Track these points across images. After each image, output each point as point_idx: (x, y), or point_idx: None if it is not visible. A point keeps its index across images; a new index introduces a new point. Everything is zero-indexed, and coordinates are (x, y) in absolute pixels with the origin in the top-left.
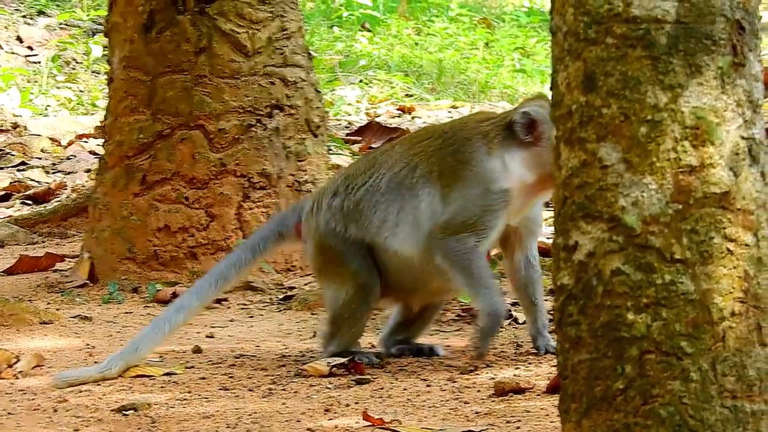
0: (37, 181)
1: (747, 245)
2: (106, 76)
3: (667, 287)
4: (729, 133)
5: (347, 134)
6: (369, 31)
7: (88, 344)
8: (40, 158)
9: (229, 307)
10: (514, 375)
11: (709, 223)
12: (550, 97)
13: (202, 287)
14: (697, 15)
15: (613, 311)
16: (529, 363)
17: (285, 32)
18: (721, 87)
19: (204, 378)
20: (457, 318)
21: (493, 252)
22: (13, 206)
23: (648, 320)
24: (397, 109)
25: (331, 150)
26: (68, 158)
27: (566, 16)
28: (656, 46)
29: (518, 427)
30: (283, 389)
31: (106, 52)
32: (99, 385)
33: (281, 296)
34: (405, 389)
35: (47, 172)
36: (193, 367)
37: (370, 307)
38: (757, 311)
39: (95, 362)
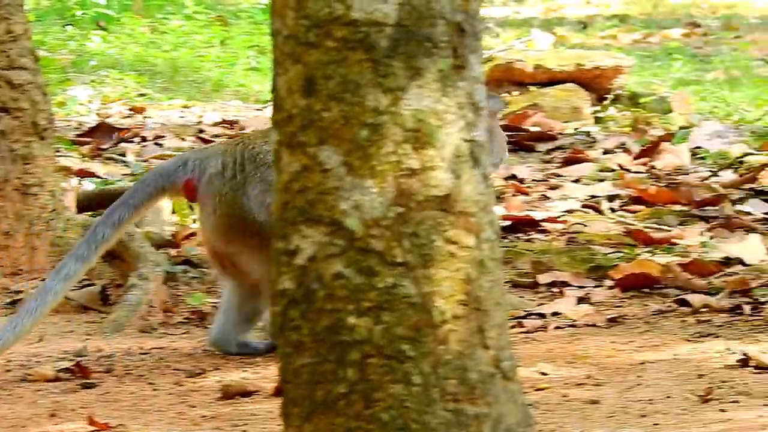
0: None
1: (469, 248)
2: None
3: (388, 291)
4: (450, 136)
5: (77, 135)
6: (104, 29)
7: None
8: None
9: None
10: (242, 378)
11: (431, 226)
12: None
13: (82, 248)
14: (418, 18)
15: (335, 315)
16: (257, 365)
17: (11, 35)
18: (442, 90)
19: None
20: (185, 320)
21: None
22: None
23: (370, 324)
24: (129, 110)
25: (59, 152)
26: None
27: (286, 20)
28: (377, 49)
29: (245, 431)
30: (9, 394)
31: None
32: None
33: (8, 300)
34: (132, 393)
35: None
36: None
37: None
38: (479, 314)
39: None
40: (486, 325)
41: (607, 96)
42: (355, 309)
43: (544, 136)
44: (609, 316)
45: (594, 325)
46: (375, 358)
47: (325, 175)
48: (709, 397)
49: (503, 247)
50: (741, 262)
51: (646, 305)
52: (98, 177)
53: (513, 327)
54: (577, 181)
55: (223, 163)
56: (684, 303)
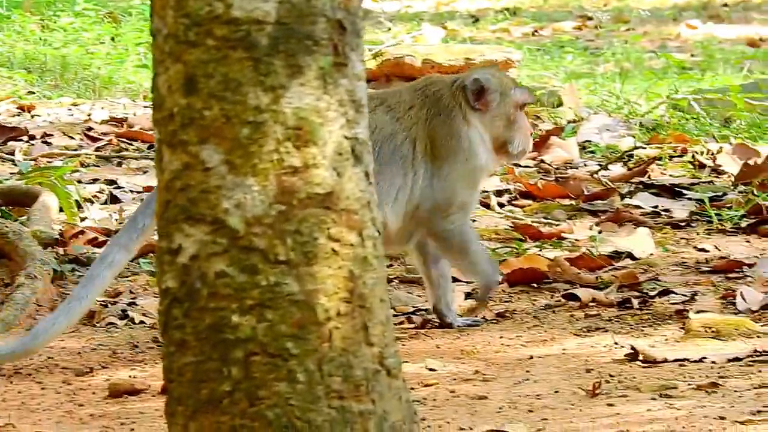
0: None
1: (352, 245)
2: None
3: (272, 288)
4: (332, 133)
5: None
6: None
7: None
8: None
9: None
10: (130, 376)
11: (313, 224)
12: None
13: (124, 237)
14: (298, 15)
15: (218, 314)
16: (145, 364)
17: None
18: (323, 87)
19: None
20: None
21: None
22: None
23: (253, 322)
24: (17, 108)
25: None
26: None
27: (166, 19)
28: (257, 48)
29: (132, 429)
30: None
31: None
32: None
33: None
34: (19, 392)
35: None
36: None
37: None
38: (363, 311)
39: None
40: (370, 322)
41: None
42: (238, 307)
43: None
44: (497, 311)
45: (483, 321)
46: (259, 356)
47: (206, 174)
48: (597, 391)
49: None
50: (630, 255)
51: (535, 300)
52: None
53: (401, 323)
54: None
55: None
56: (573, 297)
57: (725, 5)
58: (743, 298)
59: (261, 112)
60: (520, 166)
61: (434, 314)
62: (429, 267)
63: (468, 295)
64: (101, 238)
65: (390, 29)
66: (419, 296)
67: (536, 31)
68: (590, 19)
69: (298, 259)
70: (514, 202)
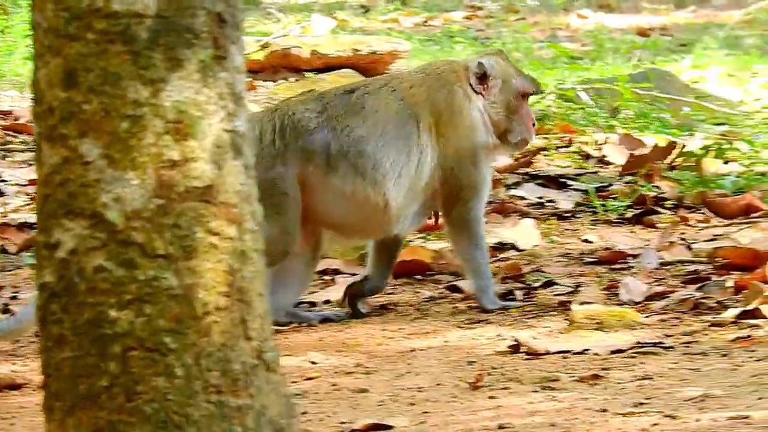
0: None
1: (231, 239)
2: None
3: (150, 283)
4: (212, 127)
5: None
6: None
7: None
8: None
9: None
10: (11, 371)
11: (192, 218)
12: None
13: None
14: (177, 8)
15: (96, 308)
16: (27, 358)
17: None
18: (203, 80)
19: None
20: None
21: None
22: None
23: (131, 317)
24: None
25: None
26: None
27: (46, 12)
28: (137, 41)
29: (12, 424)
30: None
31: None
32: None
33: None
34: None
35: None
36: None
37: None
38: (242, 305)
39: None
40: (249, 316)
41: None
42: (116, 302)
43: None
44: (380, 304)
45: (364, 313)
46: (137, 351)
47: (85, 168)
48: (479, 383)
49: None
50: (514, 247)
51: (418, 292)
52: None
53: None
54: None
55: (261, 129)
56: (456, 289)
57: None
58: (627, 290)
59: (140, 105)
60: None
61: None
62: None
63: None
64: None
65: (280, 20)
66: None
67: (426, 21)
68: (481, 9)
69: (176, 253)
70: None
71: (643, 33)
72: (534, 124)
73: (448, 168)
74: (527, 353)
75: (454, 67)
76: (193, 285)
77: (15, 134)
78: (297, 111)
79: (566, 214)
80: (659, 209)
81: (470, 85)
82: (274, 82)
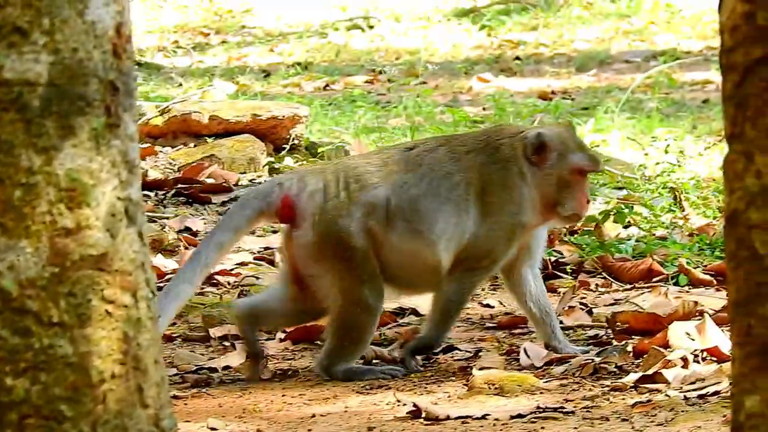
0: None
1: (126, 306)
2: None
3: (45, 351)
4: (105, 195)
5: None
6: None
7: None
8: None
9: None
10: None
11: (87, 286)
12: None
13: (188, 271)
14: (70, 77)
15: None
16: None
17: None
18: (95, 148)
19: None
20: None
21: None
22: None
23: (27, 384)
24: None
25: None
26: None
27: None
28: (29, 109)
29: None
30: None
31: None
32: None
33: None
34: None
35: None
36: None
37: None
38: (137, 372)
39: None
40: (145, 384)
41: (284, 146)
42: (12, 370)
43: (220, 188)
44: (279, 369)
45: (264, 379)
46: (33, 419)
47: None
48: None
49: None
50: (415, 312)
51: (318, 357)
52: None
53: (183, 381)
54: (251, 232)
55: (325, 181)
56: None
57: (517, 58)
58: (527, 354)
59: (33, 173)
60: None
61: (548, 350)
62: (528, 304)
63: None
64: None
65: (181, 84)
66: (202, 354)
67: (328, 85)
68: (382, 73)
69: (71, 321)
70: None
71: (544, 96)
72: (588, 201)
73: (482, 235)
74: (427, 419)
75: (513, 141)
76: (88, 353)
77: None
78: (360, 165)
79: None
80: (560, 274)
81: (525, 156)
82: (173, 147)
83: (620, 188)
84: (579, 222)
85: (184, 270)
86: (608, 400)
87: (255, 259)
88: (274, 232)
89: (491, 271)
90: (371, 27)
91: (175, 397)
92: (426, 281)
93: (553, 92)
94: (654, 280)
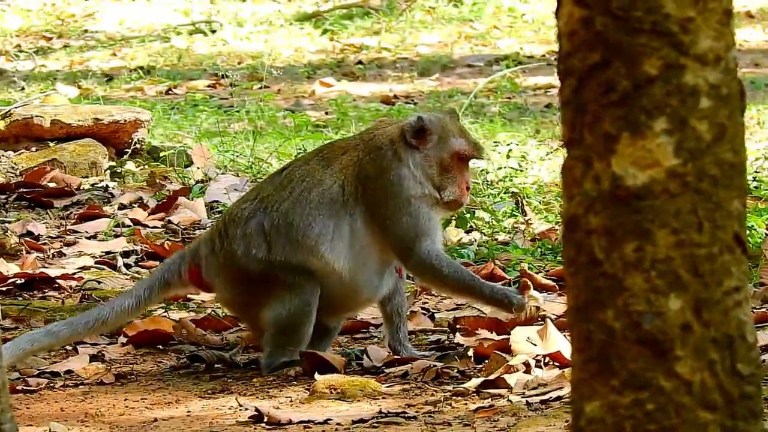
0: None
1: None
2: None
3: None
4: None
5: None
6: None
7: None
8: None
9: None
10: None
11: None
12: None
13: (76, 322)
14: None
15: None
16: None
17: None
18: None
19: None
20: None
21: None
22: None
23: None
24: None
25: None
26: None
27: None
28: None
29: None
30: None
31: None
32: None
33: None
34: None
35: None
36: None
37: (313, 311)
38: None
39: None
40: None
41: (127, 150)
42: None
43: (62, 192)
44: (121, 373)
45: (106, 383)
46: None
47: None
48: None
49: (18, 305)
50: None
51: (160, 362)
52: None
53: (23, 386)
54: (93, 237)
55: (211, 240)
56: (198, 359)
57: (360, 63)
58: (368, 356)
59: None
60: (146, 226)
61: (389, 350)
62: (384, 303)
63: (93, 358)
64: None
65: (24, 88)
66: (44, 359)
67: (170, 89)
68: (225, 77)
69: None
70: (141, 263)
71: (387, 101)
72: (469, 188)
73: (383, 224)
74: (269, 423)
75: (390, 129)
76: None
77: None
78: (235, 206)
79: None
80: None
81: (405, 140)
82: (15, 151)
83: None
84: (460, 209)
85: (76, 319)
86: (450, 405)
87: (96, 263)
88: (117, 236)
89: (430, 238)
90: (213, 31)
91: (16, 400)
92: (339, 293)
93: (395, 96)
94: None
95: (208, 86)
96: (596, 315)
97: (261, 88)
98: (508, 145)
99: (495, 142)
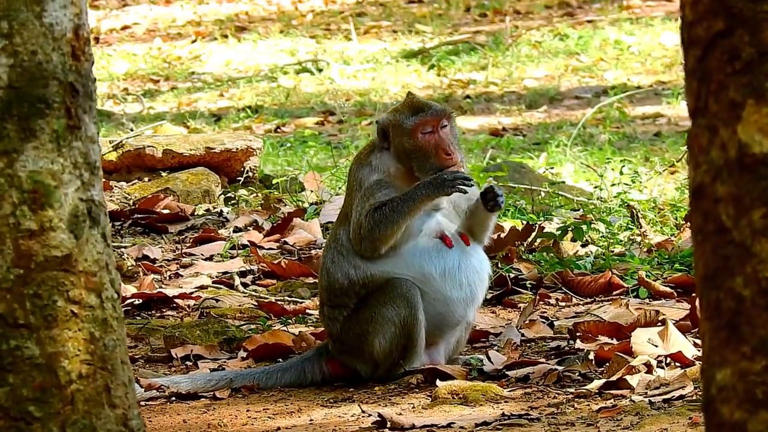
0: None
1: (92, 307)
2: None
3: (12, 353)
4: (68, 196)
5: None
6: None
7: None
8: None
9: None
10: None
11: (52, 287)
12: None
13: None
14: (30, 79)
15: None
16: None
17: None
18: (57, 150)
19: None
20: None
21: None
22: None
23: None
24: None
25: None
26: None
27: None
28: None
29: None
30: None
31: None
32: None
33: None
34: None
35: None
36: None
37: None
38: (105, 373)
39: None
40: (112, 384)
41: (239, 178)
42: None
43: (176, 218)
44: (243, 387)
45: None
46: (2, 421)
47: None
48: None
49: (137, 324)
50: None
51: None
52: None
53: (149, 399)
54: (209, 259)
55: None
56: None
57: (467, 97)
58: (490, 360)
59: None
60: (262, 247)
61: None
62: None
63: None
64: None
65: (132, 129)
66: (165, 374)
67: (278, 127)
68: (332, 113)
69: (38, 322)
70: (258, 282)
71: (495, 133)
72: (447, 153)
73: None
74: (392, 428)
75: (360, 151)
76: (55, 354)
77: None
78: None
79: None
80: (519, 290)
81: (380, 147)
82: (127, 182)
83: (576, 209)
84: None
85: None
86: (573, 406)
87: (214, 282)
88: (233, 257)
89: (380, 199)
90: (320, 70)
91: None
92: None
93: (504, 129)
94: (614, 293)
95: (317, 123)
96: (725, 283)
97: (370, 123)
98: (619, 166)
99: (607, 160)
